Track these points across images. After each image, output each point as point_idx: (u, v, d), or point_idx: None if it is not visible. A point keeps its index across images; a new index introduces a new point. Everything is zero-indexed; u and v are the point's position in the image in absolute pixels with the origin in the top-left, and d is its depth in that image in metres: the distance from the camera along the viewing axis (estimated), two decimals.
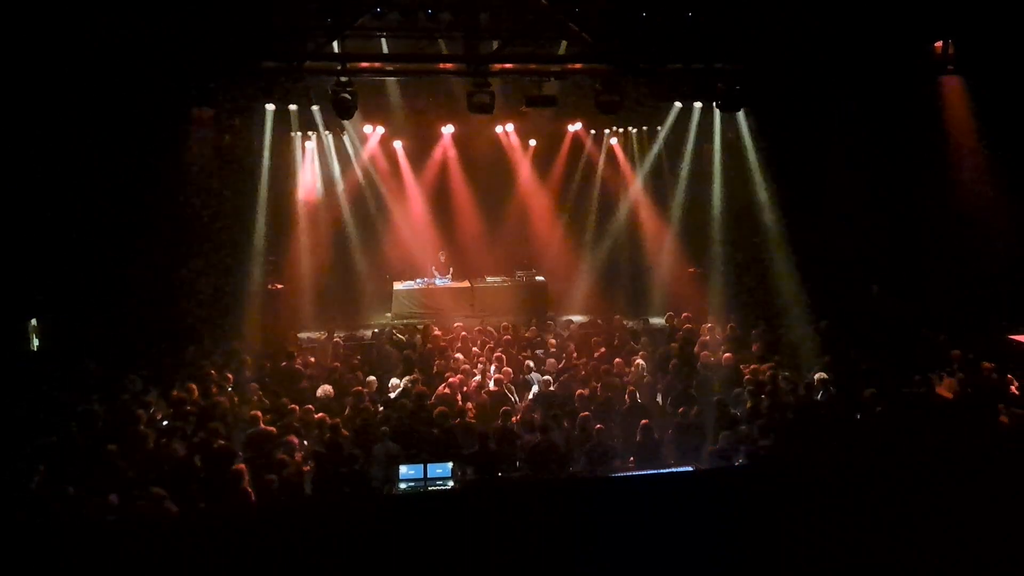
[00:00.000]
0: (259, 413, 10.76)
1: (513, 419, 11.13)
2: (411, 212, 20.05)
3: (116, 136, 12.97)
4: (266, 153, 17.71)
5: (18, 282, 11.79)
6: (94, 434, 10.06)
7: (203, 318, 16.20)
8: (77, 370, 12.41)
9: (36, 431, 9.88)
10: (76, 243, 13.01)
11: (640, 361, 13.24)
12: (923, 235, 14.72)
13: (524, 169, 20.54)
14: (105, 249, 13.50)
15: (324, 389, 11.94)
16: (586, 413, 10.91)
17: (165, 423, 10.82)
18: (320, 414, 10.94)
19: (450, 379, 12.67)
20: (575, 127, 20.31)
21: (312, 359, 14.29)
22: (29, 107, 11.24)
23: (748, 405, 11.21)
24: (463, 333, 15.55)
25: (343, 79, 13.20)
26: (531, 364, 13.48)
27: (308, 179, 18.92)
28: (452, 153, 19.95)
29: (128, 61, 11.64)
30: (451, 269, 19.53)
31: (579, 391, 11.96)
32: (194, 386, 11.88)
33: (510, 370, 12.97)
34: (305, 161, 18.85)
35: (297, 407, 11.23)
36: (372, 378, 12.82)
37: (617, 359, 13.40)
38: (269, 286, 17.86)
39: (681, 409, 11.21)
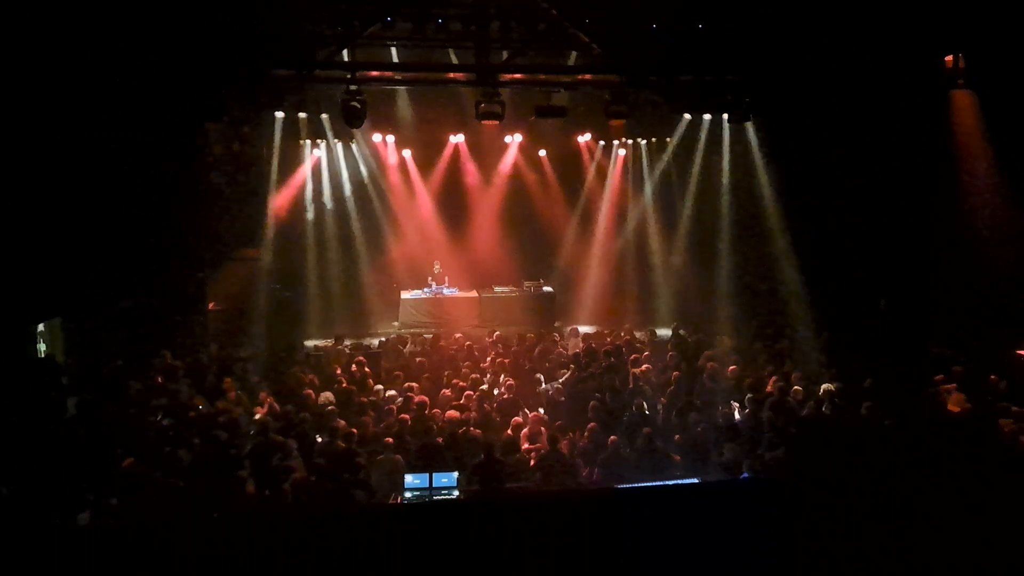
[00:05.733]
0: (267, 420, 10.77)
1: (521, 430, 11.11)
2: (419, 221, 20.09)
3: (129, 144, 13.02)
4: (275, 160, 17.77)
5: (25, 288, 11.82)
6: (99, 438, 10.05)
7: (211, 325, 16.27)
8: (85, 374, 12.43)
9: (41, 434, 9.89)
10: (86, 250, 13.04)
11: (640, 371, 13.20)
12: (932, 249, 14.66)
13: (532, 179, 20.57)
14: (115, 256, 13.53)
15: (326, 397, 11.93)
16: (593, 424, 10.88)
17: (170, 429, 10.80)
18: (341, 421, 10.92)
19: (458, 389, 12.66)
20: (584, 138, 20.34)
21: (318, 367, 14.29)
22: (42, 117, 11.29)
23: (754, 417, 11.17)
24: (468, 343, 15.54)
25: (353, 87, 13.23)
26: (539, 375, 13.46)
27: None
28: (461, 162, 20.00)
29: (141, 69, 11.72)
30: (447, 279, 19.52)
31: (589, 402, 11.92)
32: (200, 393, 11.89)
33: (517, 380, 12.94)
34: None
35: (307, 414, 11.23)
36: (379, 387, 12.82)
37: (624, 370, 13.37)
38: (276, 293, 17.89)
39: (687, 420, 11.18)
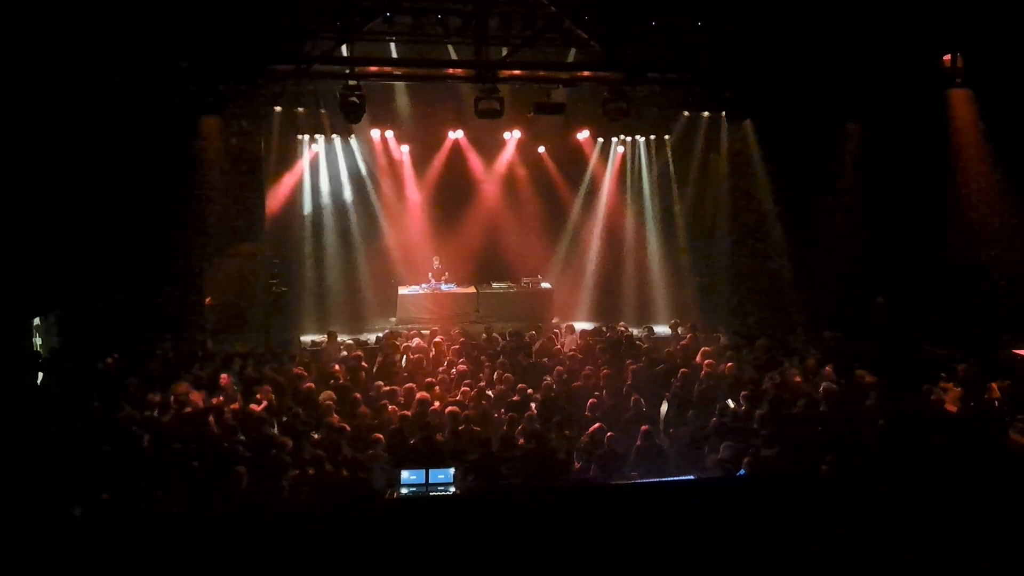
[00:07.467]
0: (263, 415, 10.75)
1: (517, 426, 11.09)
2: (417, 217, 20.07)
3: (126, 139, 12.98)
4: (273, 155, 17.74)
5: (22, 282, 11.80)
6: (95, 433, 10.04)
7: (208, 319, 16.24)
8: (80, 369, 12.41)
9: (38, 430, 9.88)
10: (84, 244, 13.03)
11: (638, 367, 13.18)
12: (929, 247, 14.68)
13: (530, 175, 20.54)
14: (113, 250, 13.51)
15: (327, 394, 11.91)
16: (599, 424, 10.85)
17: (166, 424, 10.78)
18: (335, 417, 10.90)
19: (455, 385, 12.63)
20: (583, 135, 20.33)
21: (314, 363, 14.26)
22: (40, 112, 11.26)
23: (751, 415, 11.17)
24: (464, 339, 15.51)
25: (351, 83, 13.22)
26: (544, 374, 13.43)
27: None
28: (459, 158, 19.98)
29: (139, 64, 11.69)
30: (445, 274, 19.50)
31: (586, 399, 11.90)
32: (195, 388, 11.87)
33: (514, 376, 12.92)
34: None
35: (301, 411, 11.22)
36: (379, 382, 12.80)
37: (620, 367, 13.36)
38: (273, 289, 17.87)
39: (684, 417, 11.17)
